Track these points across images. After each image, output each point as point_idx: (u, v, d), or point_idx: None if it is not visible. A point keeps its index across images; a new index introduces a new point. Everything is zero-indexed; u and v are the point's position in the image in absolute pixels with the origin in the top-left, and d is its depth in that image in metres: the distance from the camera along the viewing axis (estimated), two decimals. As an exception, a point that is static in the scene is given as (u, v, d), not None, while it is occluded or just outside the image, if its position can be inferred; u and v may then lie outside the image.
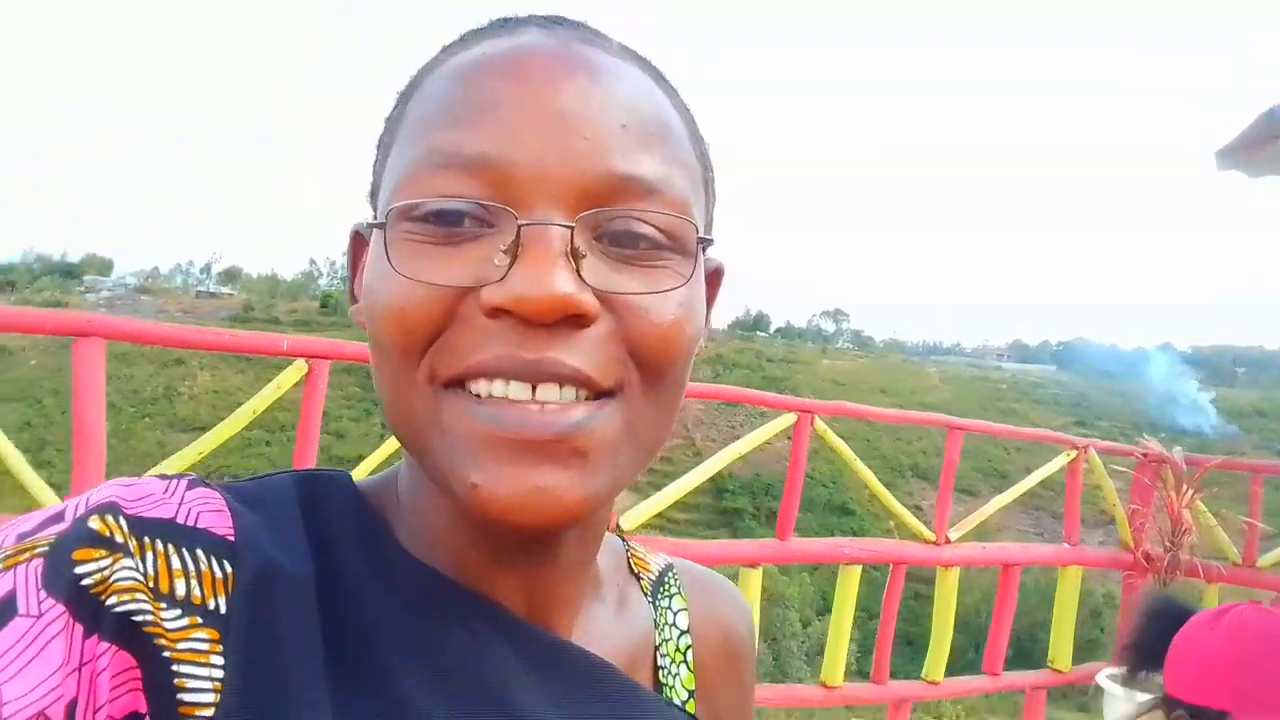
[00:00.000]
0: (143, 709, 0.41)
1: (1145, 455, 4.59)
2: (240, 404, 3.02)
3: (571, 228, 0.44)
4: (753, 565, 3.76)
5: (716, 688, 0.66)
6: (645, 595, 0.64)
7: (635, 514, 3.58)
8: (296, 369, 2.85)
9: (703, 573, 0.71)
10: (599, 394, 0.46)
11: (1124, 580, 4.53)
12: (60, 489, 2.67)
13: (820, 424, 3.83)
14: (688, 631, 0.65)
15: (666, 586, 0.66)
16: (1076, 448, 4.45)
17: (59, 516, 0.43)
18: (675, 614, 0.65)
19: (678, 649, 0.63)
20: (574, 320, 0.44)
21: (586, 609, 0.59)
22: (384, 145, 0.52)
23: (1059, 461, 4.46)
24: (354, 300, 0.55)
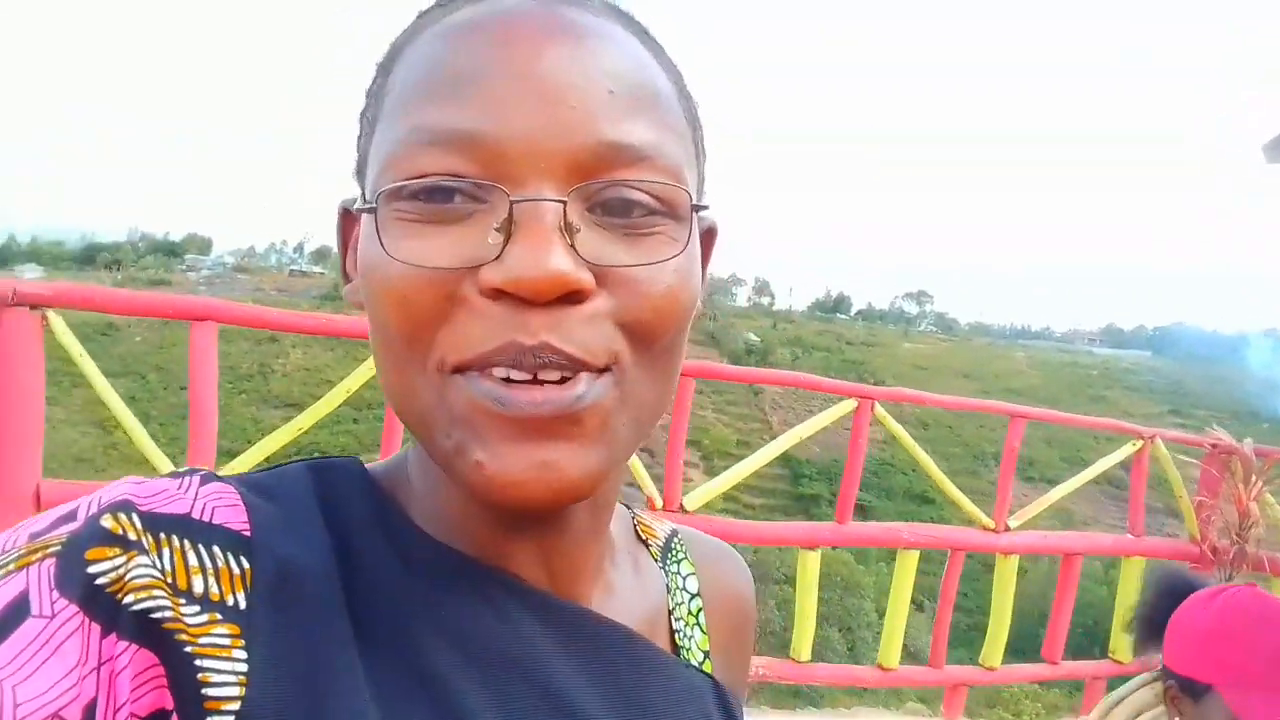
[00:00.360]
0: (169, 705, 0.41)
1: (1214, 446, 4.53)
2: (329, 381, 3.27)
3: (564, 202, 0.44)
4: (810, 547, 3.90)
5: (729, 649, 0.67)
6: (655, 560, 0.66)
7: (699, 495, 3.75)
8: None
9: (707, 539, 0.72)
10: (598, 371, 0.47)
11: (1192, 571, 4.51)
12: (174, 460, 2.97)
13: (880, 410, 3.92)
14: (698, 595, 0.66)
15: (674, 552, 0.68)
16: (1142, 437, 4.43)
17: (71, 515, 0.42)
18: (685, 578, 0.66)
19: (690, 612, 0.65)
20: (570, 296, 0.44)
21: (604, 577, 0.59)
22: (367, 120, 0.51)
23: (1124, 451, 4.46)
24: (346, 279, 0.55)
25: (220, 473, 0.51)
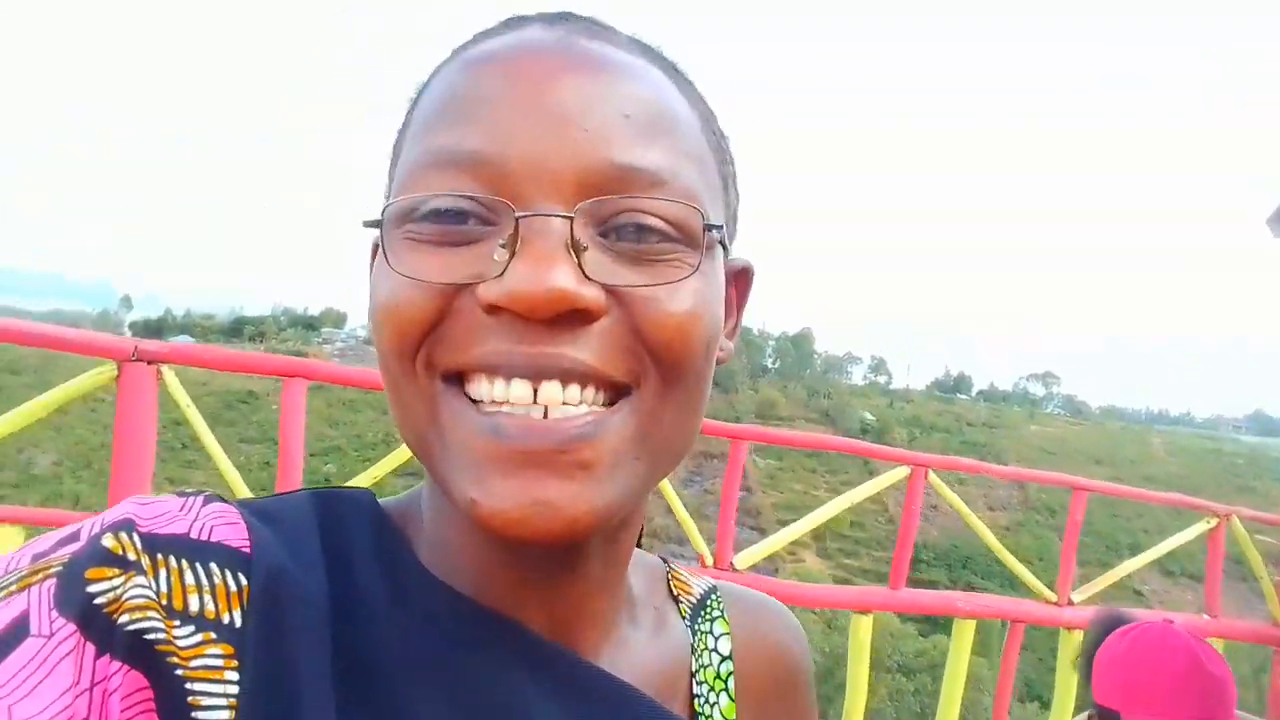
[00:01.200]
0: None
1: (1295, 526, 4.38)
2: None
3: (571, 218, 0.43)
4: (862, 612, 3.94)
5: (764, 705, 0.63)
6: (684, 619, 0.62)
7: (748, 554, 3.87)
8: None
9: (750, 595, 0.68)
10: (612, 389, 0.45)
11: (1276, 655, 4.31)
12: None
13: (934, 477, 3.98)
14: (729, 657, 0.62)
15: (708, 610, 0.63)
16: (1217, 514, 4.32)
17: (74, 536, 0.42)
18: (717, 639, 0.62)
19: (718, 676, 0.60)
20: (577, 316, 0.42)
21: (618, 632, 0.56)
22: (395, 150, 0.52)
23: (1197, 528, 4.35)
24: None
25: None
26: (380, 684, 0.46)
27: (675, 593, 0.64)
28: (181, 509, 0.45)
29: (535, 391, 0.43)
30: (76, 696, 0.38)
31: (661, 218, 0.45)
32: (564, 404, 0.43)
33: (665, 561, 0.66)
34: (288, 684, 0.43)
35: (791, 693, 0.65)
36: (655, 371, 0.45)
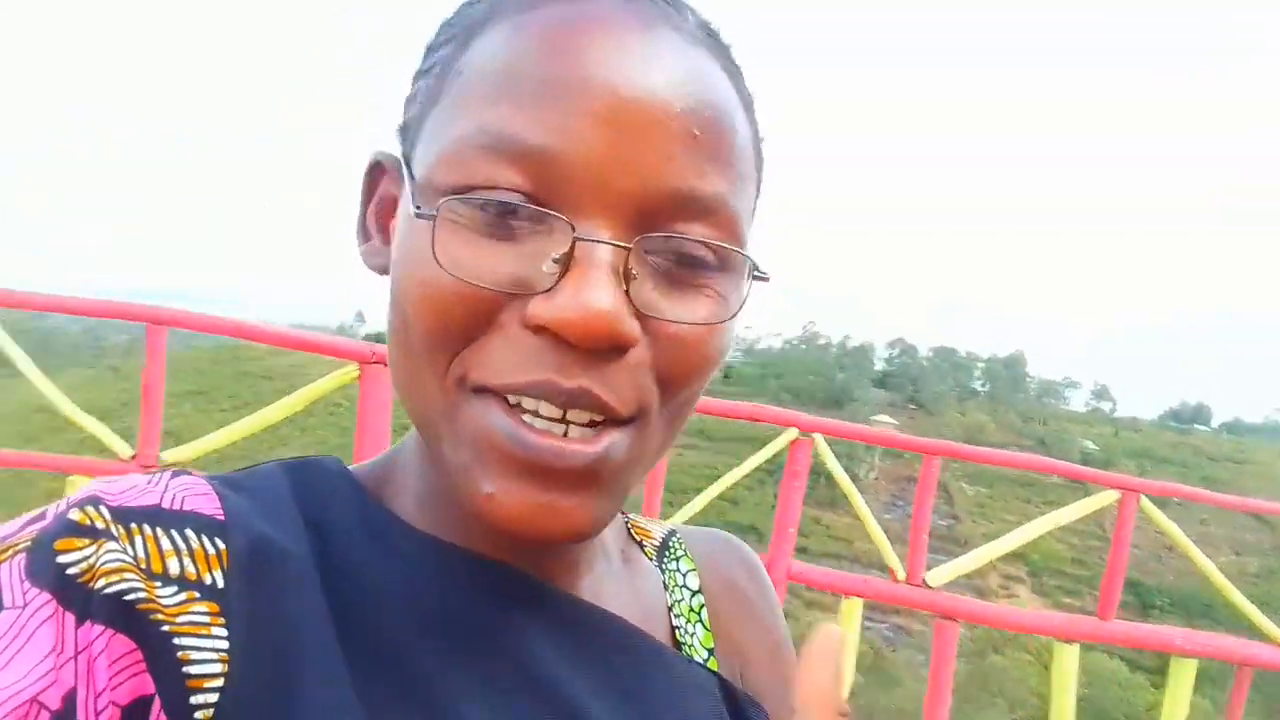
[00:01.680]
0: (150, 690, 0.40)
1: None
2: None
3: (629, 250, 0.43)
4: (1067, 640, 3.76)
5: (733, 633, 0.65)
6: (650, 560, 0.64)
7: (943, 572, 3.78)
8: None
9: (706, 532, 0.71)
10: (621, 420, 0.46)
11: None
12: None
13: (1147, 503, 3.74)
14: (699, 591, 0.64)
15: (672, 550, 0.66)
16: None
17: (41, 516, 0.42)
18: (685, 575, 0.64)
19: (691, 609, 0.63)
20: (616, 347, 0.43)
21: (595, 571, 0.58)
22: (426, 87, 0.49)
23: None
24: (365, 236, 0.53)
25: None
26: (373, 624, 0.46)
27: (637, 538, 0.65)
28: (149, 483, 0.46)
29: (564, 412, 0.44)
30: (60, 665, 0.38)
31: (709, 248, 0.46)
32: (587, 425, 0.45)
33: (623, 512, 0.67)
34: (284, 635, 0.43)
35: (748, 602, 0.67)
36: (665, 398, 0.47)
